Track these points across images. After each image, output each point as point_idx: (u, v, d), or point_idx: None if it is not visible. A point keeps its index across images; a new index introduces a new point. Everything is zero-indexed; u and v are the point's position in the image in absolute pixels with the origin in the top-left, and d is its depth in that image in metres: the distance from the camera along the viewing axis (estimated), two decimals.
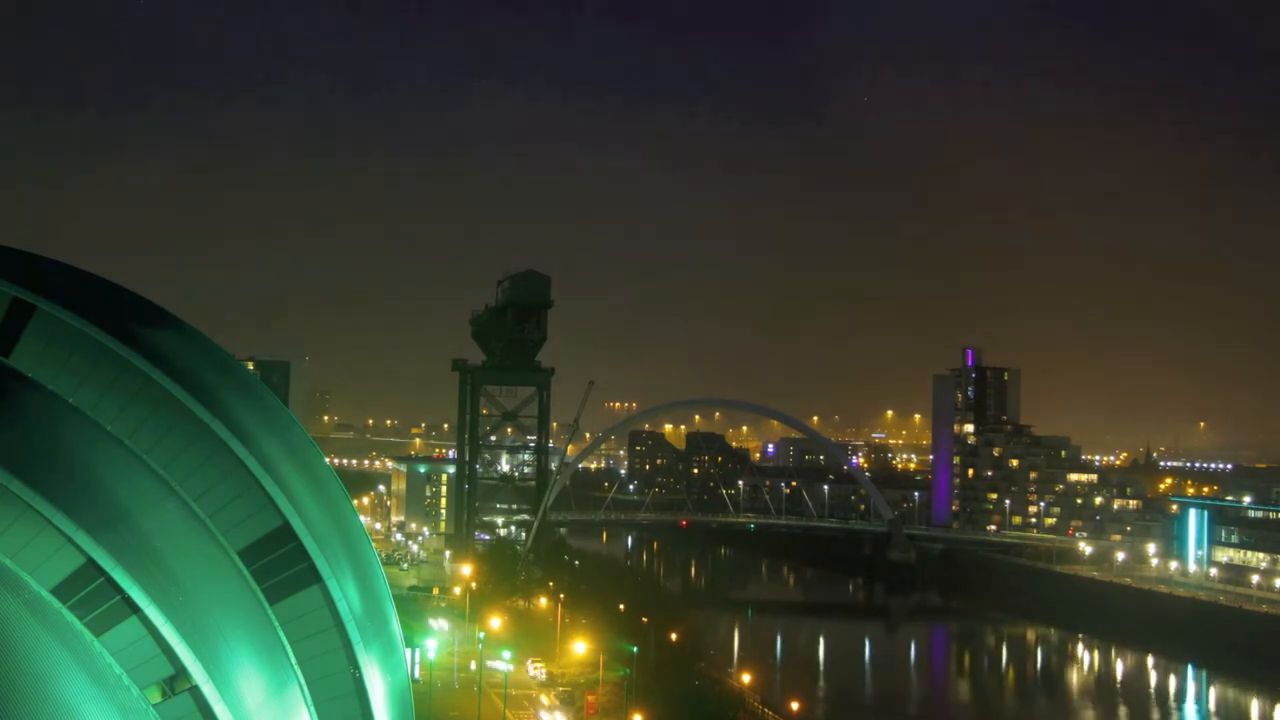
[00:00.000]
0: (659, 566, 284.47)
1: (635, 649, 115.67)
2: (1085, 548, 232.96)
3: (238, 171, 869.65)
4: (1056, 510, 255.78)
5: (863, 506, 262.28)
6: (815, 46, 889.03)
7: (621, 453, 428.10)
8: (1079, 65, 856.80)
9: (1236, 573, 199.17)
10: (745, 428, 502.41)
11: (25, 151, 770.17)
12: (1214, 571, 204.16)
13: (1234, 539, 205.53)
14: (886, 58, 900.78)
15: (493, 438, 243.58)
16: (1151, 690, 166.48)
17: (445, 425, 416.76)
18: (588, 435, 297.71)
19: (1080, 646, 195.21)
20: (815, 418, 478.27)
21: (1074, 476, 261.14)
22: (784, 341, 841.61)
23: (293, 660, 42.09)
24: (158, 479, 41.39)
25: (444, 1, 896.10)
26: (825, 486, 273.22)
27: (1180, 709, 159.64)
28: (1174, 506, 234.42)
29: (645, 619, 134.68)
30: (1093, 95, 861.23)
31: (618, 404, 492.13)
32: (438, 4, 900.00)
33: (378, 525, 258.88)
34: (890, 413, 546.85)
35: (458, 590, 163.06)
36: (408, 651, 64.68)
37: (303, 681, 42.10)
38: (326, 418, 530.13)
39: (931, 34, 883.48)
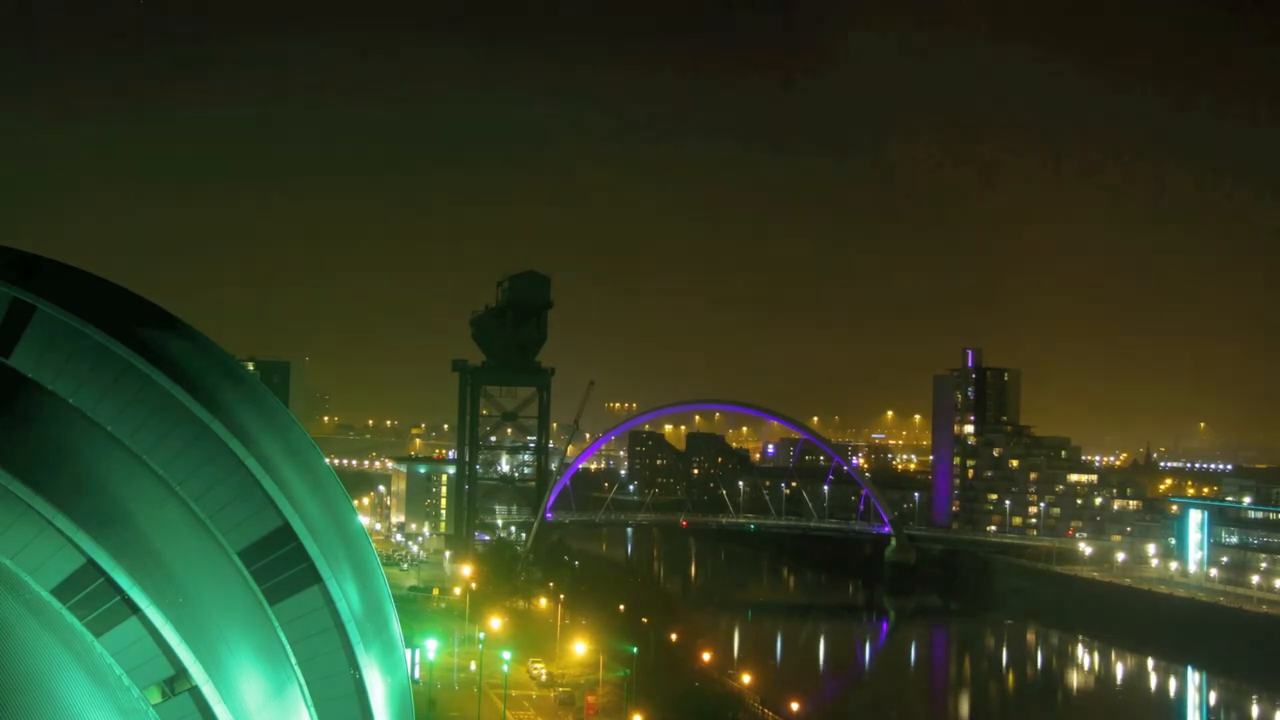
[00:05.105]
0: (659, 567, 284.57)
1: (635, 650, 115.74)
2: (1085, 548, 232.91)
3: (237, 173, 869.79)
4: (1056, 511, 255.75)
5: (862, 507, 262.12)
6: (815, 59, 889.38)
7: (622, 453, 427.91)
8: (1077, 65, 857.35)
9: (1237, 573, 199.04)
10: (745, 428, 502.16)
11: (25, 153, 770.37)
12: (1214, 572, 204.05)
13: (1234, 539, 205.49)
14: (884, 56, 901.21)
15: (493, 438, 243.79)
16: (1151, 692, 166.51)
17: (445, 426, 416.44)
18: (588, 435, 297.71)
19: (1080, 648, 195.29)
20: (815, 418, 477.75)
21: (1074, 477, 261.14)
22: (784, 342, 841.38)
23: (293, 661, 42.12)
24: (158, 480, 41.41)
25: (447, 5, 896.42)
26: (825, 487, 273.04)
27: (1181, 710, 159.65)
28: (1174, 507, 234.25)
29: (645, 620, 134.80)
30: (1093, 95, 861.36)
31: (618, 404, 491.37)
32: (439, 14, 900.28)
33: (378, 526, 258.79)
34: (890, 413, 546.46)
35: (458, 591, 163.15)
36: (408, 652, 64.70)
37: (303, 682, 42.13)
38: (326, 418, 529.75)
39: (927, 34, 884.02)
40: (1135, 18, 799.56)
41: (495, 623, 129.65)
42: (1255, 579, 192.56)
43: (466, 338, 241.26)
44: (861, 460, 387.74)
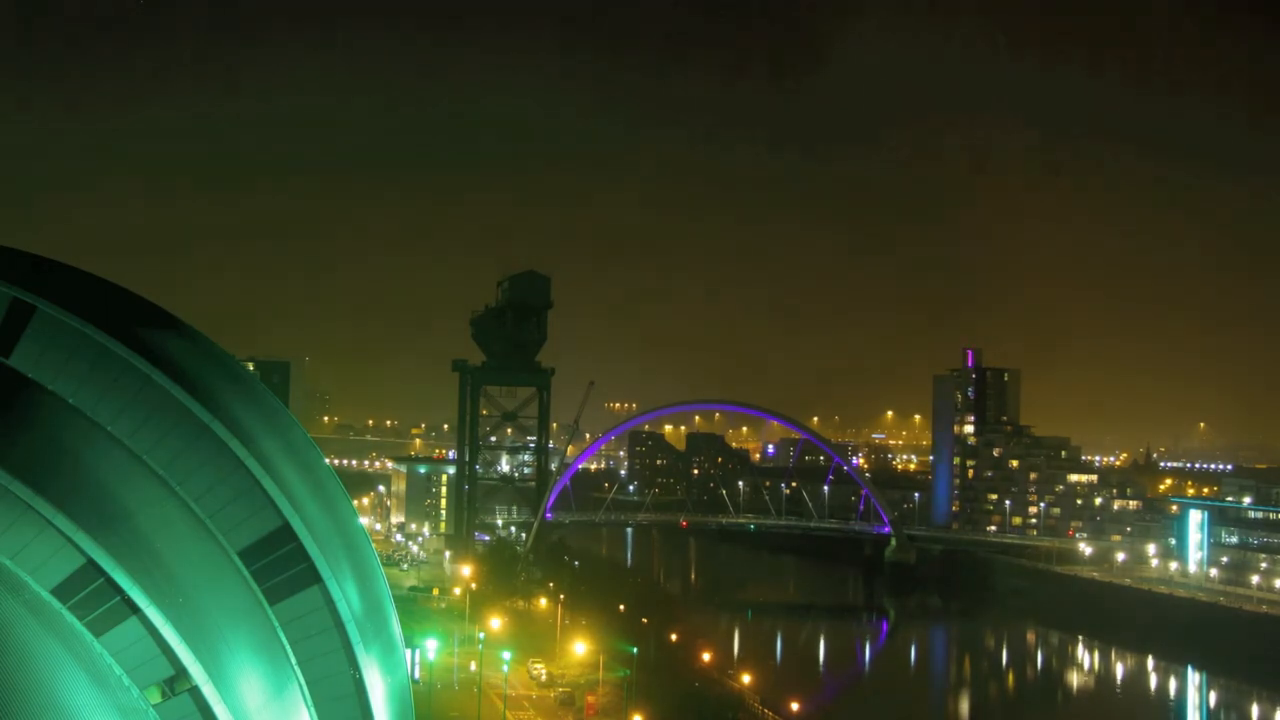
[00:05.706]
0: (659, 567, 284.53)
1: (635, 650, 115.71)
2: (1085, 548, 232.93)
3: (237, 172, 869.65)
4: (1056, 511, 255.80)
5: (862, 507, 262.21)
6: (813, 58, 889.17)
7: (621, 453, 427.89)
8: (1079, 65, 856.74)
9: (1237, 573, 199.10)
10: (745, 428, 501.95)
11: (24, 151, 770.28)
12: (1214, 572, 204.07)
13: (1234, 539, 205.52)
14: (883, 54, 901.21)
15: (493, 438, 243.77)
16: (1152, 692, 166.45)
17: (445, 426, 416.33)
18: (588, 435, 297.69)
19: (1080, 648, 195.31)
20: (815, 418, 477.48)
21: (1074, 477, 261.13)
22: (784, 342, 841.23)
23: (293, 661, 42.10)
24: (158, 480, 41.39)
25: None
26: (825, 487, 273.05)
27: (1181, 710, 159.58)
28: (1174, 507, 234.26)
29: (645, 620, 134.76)
30: (1092, 96, 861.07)
31: (618, 404, 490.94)
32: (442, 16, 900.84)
33: (378, 526, 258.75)
34: (890, 413, 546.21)
35: (458, 591, 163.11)
36: (408, 652, 64.69)
37: (303, 682, 42.12)
38: (326, 418, 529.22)
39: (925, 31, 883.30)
40: (1135, 18, 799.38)
41: (495, 623, 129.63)
42: (1255, 579, 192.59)
43: (466, 338, 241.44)
44: (861, 460, 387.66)
